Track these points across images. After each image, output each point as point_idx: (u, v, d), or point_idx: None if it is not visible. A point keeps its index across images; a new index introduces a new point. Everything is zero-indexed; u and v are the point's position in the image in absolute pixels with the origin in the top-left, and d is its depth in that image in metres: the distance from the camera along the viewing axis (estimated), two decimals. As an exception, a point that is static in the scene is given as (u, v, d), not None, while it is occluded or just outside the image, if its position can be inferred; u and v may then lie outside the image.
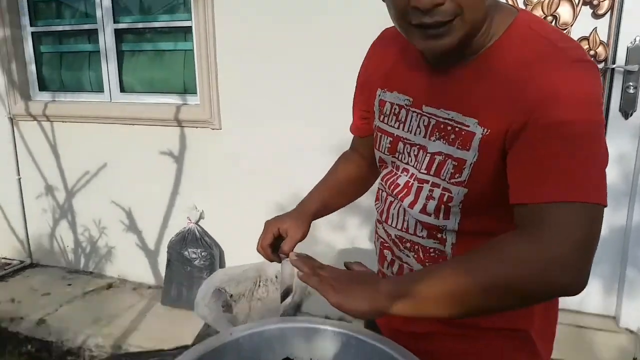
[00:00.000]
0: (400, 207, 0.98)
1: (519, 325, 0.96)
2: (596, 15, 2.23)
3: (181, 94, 3.11)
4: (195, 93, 3.01)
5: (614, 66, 2.24)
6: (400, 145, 0.97)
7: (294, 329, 0.92)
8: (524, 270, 0.69)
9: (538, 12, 2.29)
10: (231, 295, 1.44)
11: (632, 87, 2.24)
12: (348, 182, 1.21)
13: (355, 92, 1.15)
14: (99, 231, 3.41)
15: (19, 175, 3.53)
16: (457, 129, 0.87)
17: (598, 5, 2.22)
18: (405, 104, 0.96)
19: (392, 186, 1.00)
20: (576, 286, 0.69)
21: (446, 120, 0.88)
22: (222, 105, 2.89)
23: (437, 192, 0.90)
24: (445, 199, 0.89)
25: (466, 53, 0.85)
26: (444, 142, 0.89)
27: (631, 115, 2.28)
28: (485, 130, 0.83)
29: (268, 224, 1.11)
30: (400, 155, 0.98)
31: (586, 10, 2.25)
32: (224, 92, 2.87)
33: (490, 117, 0.82)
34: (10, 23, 3.32)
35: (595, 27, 2.24)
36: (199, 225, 3.02)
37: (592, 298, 2.47)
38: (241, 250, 2.86)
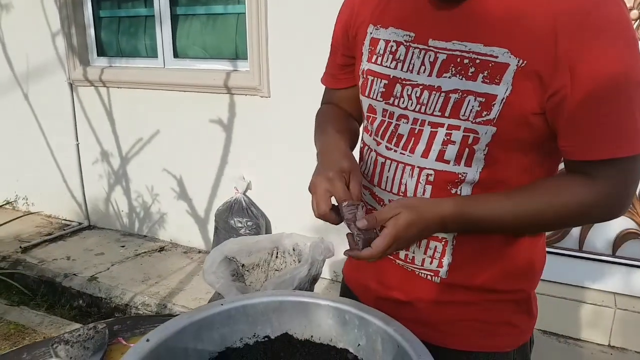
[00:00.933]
0: (397, 167, 0.86)
1: (523, 285, 0.92)
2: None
3: (232, 60, 3.05)
4: (246, 59, 2.93)
5: None
6: (398, 87, 0.85)
7: (291, 303, 0.85)
8: (585, 217, 0.83)
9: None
10: (243, 265, 1.36)
11: None
12: (345, 124, 1.01)
13: (333, 36, 1.01)
14: (152, 197, 3.46)
15: (77, 140, 3.63)
16: (478, 61, 0.77)
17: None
18: (405, 40, 0.85)
19: (393, 139, 0.87)
20: (619, 216, 0.82)
21: (462, 53, 0.78)
22: (272, 72, 2.80)
23: (457, 134, 0.80)
24: (470, 141, 0.79)
25: None
26: (461, 77, 0.78)
27: None
28: (522, 61, 0.74)
29: (319, 181, 0.83)
30: (396, 100, 0.86)
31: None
32: (274, 59, 2.77)
33: (525, 47, 0.74)
34: (70, -13, 3.36)
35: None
36: (245, 196, 2.98)
37: None
38: (288, 221, 2.83)
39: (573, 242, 2.42)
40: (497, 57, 0.75)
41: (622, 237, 2.34)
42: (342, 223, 0.81)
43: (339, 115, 1.03)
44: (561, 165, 0.86)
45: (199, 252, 3.32)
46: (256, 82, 2.83)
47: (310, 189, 0.84)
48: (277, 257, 1.53)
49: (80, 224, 3.75)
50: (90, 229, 3.72)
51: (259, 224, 2.91)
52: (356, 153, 0.96)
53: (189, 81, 3.10)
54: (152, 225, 3.54)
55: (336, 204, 0.81)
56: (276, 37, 2.74)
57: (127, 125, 3.43)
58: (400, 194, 0.87)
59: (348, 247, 0.80)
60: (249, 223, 2.87)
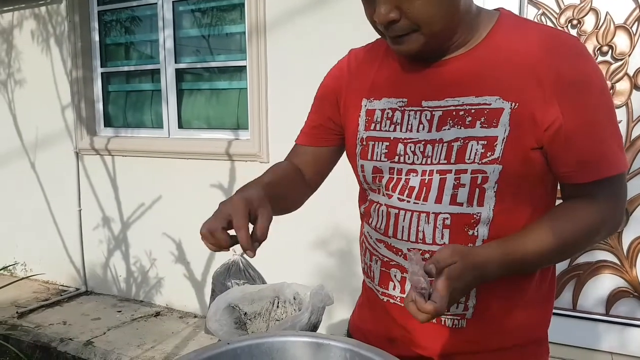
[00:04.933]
0: (412, 216, 0.90)
1: (539, 333, 0.97)
2: (656, 45, 2.14)
3: (234, 130, 3.21)
4: (247, 128, 3.10)
5: (678, 97, 2.12)
6: (401, 147, 0.91)
7: (296, 343, 0.86)
8: (597, 231, 0.89)
9: (592, 42, 2.23)
10: (245, 313, 1.40)
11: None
12: (289, 175, 1.06)
13: (314, 103, 1.11)
14: (150, 262, 3.50)
15: (79, 207, 3.72)
16: (473, 110, 0.85)
17: (657, 34, 2.13)
18: (399, 106, 0.92)
19: (407, 191, 0.91)
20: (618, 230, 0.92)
21: (457, 107, 0.86)
22: (271, 139, 2.95)
23: (465, 177, 0.85)
24: (479, 181, 0.85)
25: (446, 51, 0.88)
26: (459, 127, 0.86)
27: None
28: (514, 104, 0.83)
29: (222, 205, 0.82)
30: (401, 158, 0.91)
31: (645, 40, 2.16)
32: (273, 127, 2.94)
33: (513, 92, 0.83)
34: (83, 65, 3.60)
35: (656, 57, 2.14)
36: (243, 258, 3.02)
37: None
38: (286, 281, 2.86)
39: (567, 301, 2.45)
40: (490, 104, 0.84)
41: (615, 296, 2.37)
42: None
43: (289, 174, 1.05)
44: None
45: (195, 316, 3.31)
46: (256, 149, 2.97)
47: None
48: (278, 306, 1.57)
49: (77, 289, 3.75)
50: (88, 295, 3.72)
51: (257, 287, 2.93)
52: (355, 216, 1.04)
53: (192, 149, 3.25)
54: (148, 290, 3.55)
55: (233, 232, 0.78)
56: (276, 109, 2.92)
57: (129, 191, 3.54)
58: (419, 241, 0.89)
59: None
60: (246, 285, 2.90)
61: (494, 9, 0.93)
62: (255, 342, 0.86)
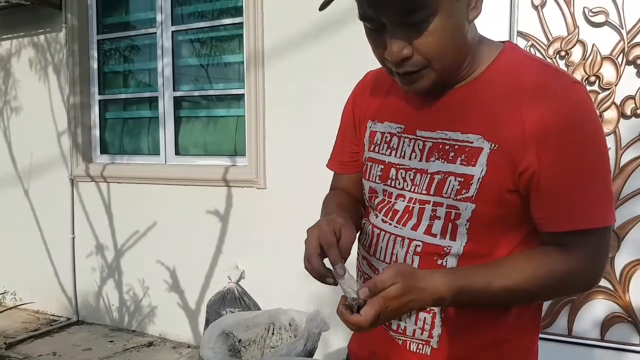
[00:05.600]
0: (389, 238, 0.94)
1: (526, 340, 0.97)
2: (641, 75, 2.23)
3: (231, 156, 3.25)
4: (244, 155, 3.13)
5: (664, 125, 2.20)
6: (393, 171, 0.96)
7: None
8: (568, 282, 0.88)
9: (580, 72, 2.31)
10: (240, 340, 1.39)
11: (685, 146, 2.17)
12: (346, 198, 1.11)
13: (342, 124, 1.14)
14: (143, 290, 3.47)
15: (73, 234, 3.70)
16: (456, 146, 0.88)
17: (642, 64, 2.22)
18: (397, 132, 0.97)
19: (390, 214, 0.96)
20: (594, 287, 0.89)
21: (444, 141, 0.89)
22: (268, 166, 2.99)
23: (441, 210, 0.88)
24: (452, 217, 0.87)
25: (451, 83, 0.90)
26: (442, 161, 0.89)
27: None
28: (494, 145, 0.84)
29: (311, 233, 0.88)
30: (392, 182, 0.96)
31: (630, 70, 2.25)
32: (270, 154, 2.98)
33: (496, 132, 0.84)
34: (81, 92, 3.63)
35: (641, 87, 2.23)
36: (239, 285, 3.01)
37: None
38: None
39: (562, 327, 2.47)
40: (472, 142, 0.86)
41: (609, 321, 2.39)
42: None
43: (345, 199, 1.10)
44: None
45: (189, 347, 3.26)
46: (253, 175, 3.00)
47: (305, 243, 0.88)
48: (273, 333, 1.56)
49: (68, 319, 3.69)
50: (79, 324, 3.65)
51: (252, 314, 2.91)
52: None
53: (188, 175, 3.27)
54: (141, 320, 3.50)
55: (329, 265, 0.84)
56: (273, 135, 2.97)
57: (124, 218, 3.53)
58: (392, 263, 0.93)
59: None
60: (241, 311, 2.87)
61: (500, 41, 0.93)
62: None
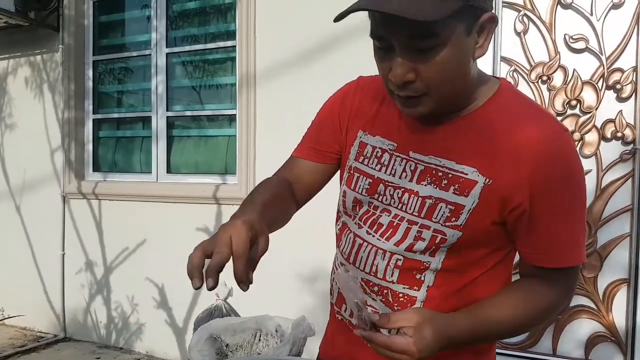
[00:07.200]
0: (371, 249, 0.97)
1: None
2: (620, 99, 2.30)
3: (221, 174, 3.29)
4: (234, 173, 3.18)
5: (642, 148, 2.27)
6: (381, 187, 0.97)
7: None
8: (549, 314, 0.96)
9: (562, 96, 2.38)
10: (227, 345, 1.42)
11: (663, 169, 2.24)
12: (281, 194, 1.03)
13: (322, 121, 1.10)
14: (132, 307, 3.46)
15: (63, 251, 3.70)
16: (450, 175, 0.90)
17: (621, 89, 2.29)
18: (389, 149, 0.98)
19: (375, 227, 0.98)
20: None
21: (437, 167, 0.92)
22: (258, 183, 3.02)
23: (427, 233, 0.91)
24: (437, 241, 0.91)
25: (449, 113, 0.92)
26: (435, 187, 0.91)
27: (665, 196, 2.25)
28: (488, 180, 0.87)
29: (222, 229, 0.78)
30: (380, 197, 0.97)
31: (610, 94, 2.32)
32: (260, 172, 3.02)
33: (492, 168, 0.87)
34: (76, 107, 3.67)
35: (621, 110, 2.29)
36: (226, 303, 3.02)
37: None
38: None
39: (546, 347, 2.48)
40: (467, 174, 0.88)
41: (593, 340, 2.42)
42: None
43: (285, 192, 1.04)
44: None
45: (176, 365, 3.25)
46: (244, 193, 3.03)
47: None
48: (260, 340, 1.58)
49: (55, 335, 3.67)
50: (66, 341, 3.63)
51: (240, 332, 2.91)
52: (330, 230, 1.11)
53: (179, 193, 3.30)
54: (129, 337, 3.48)
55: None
56: (263, 154, 3.02)
57: (114, 235, 3.54)
58: (372, 273, 0.96)
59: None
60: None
61: (495, 77, 0.97)
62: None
